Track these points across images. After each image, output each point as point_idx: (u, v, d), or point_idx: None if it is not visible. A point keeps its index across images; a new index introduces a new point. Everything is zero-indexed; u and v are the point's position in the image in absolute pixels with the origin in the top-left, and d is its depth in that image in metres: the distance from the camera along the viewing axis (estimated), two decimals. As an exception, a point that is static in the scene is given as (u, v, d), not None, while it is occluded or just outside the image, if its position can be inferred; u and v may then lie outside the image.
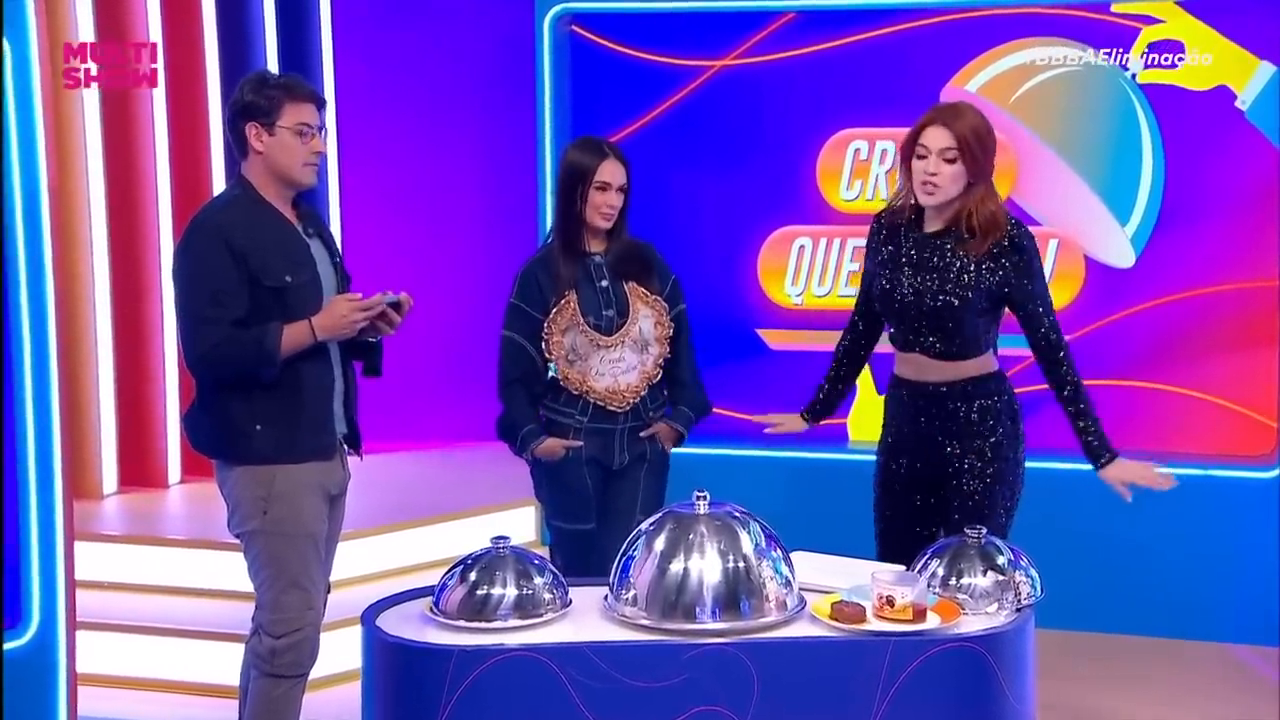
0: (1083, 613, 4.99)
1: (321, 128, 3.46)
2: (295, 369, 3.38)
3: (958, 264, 3.46)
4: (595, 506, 3.91)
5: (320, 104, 3.47)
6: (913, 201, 3.55)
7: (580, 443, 3.87)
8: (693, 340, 4.02)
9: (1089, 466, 5.10)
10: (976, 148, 3.43)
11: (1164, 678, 4.76)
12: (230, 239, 3.34)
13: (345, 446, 3.58)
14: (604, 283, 3.87)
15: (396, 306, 3.45)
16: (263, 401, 3.38)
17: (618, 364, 3.86)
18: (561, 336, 3.86)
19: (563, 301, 3.85)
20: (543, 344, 3.87)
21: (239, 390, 3.38)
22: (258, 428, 3.38)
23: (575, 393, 3.87)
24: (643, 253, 3.94)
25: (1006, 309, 3.57)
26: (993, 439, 3.53)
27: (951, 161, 3.43)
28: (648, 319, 3.88)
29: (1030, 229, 3.59)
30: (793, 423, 3.84)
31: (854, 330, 3.79)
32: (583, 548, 3.88)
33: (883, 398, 3.73)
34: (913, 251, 3.53)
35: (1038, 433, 5.31)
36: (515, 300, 3.92)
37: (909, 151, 3.50)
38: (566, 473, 3.91)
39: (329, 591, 3.62)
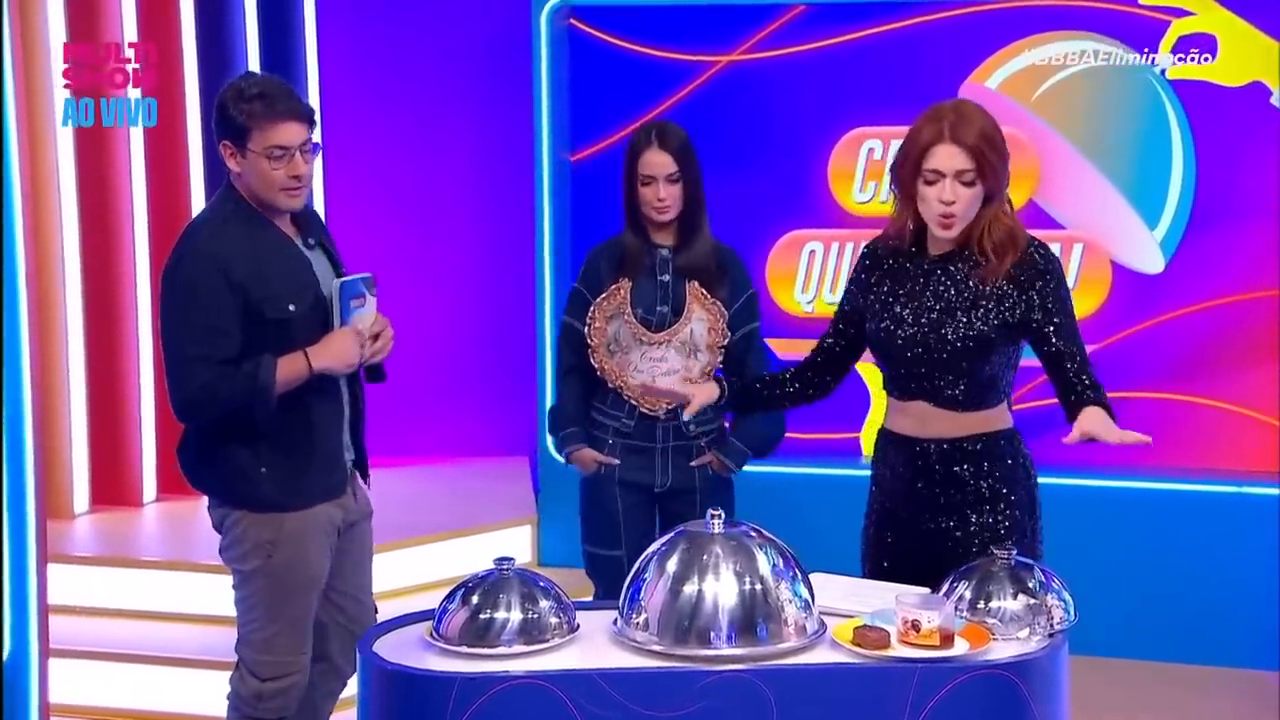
0: (1106, 638, 4.97)
1: (307, 144, 3.29)
2: (305, 405, 3.31)
3: (971, 292, 3.10)
4: (626, 532, 3.87)
5: (305, 118, 3.29)
6: (911, 227, 3.18)
7: (616, 460, 3.86)
8: (770, 366, 3.91)
9: (1117, 484, 5.14)
10: (995, 161, 3.04)
11: (1199, 707, 4.77)
12: (229, 268, 3.22)
13: (359, 471, 3.53)
14: (665, 277, 3.84)
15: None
16: (270, 443, 3.30)
17: (659, 364, 3.82)
18: (605, 323, 3.84)
19: (615, 287, 3.83)
20: (586, 328, 3.84)
21: (242, 430, 3.28)
22: (263, 470, 3.31)
23: (611, 386, 3.85)
24: (718, 256, 3.87)
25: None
26: (1008, 512, 3.16)
27: (970, 184, 3.04)
28: (701, 322, 3.83)
29: (1053, 236, 3.50)
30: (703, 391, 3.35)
31: (822, 355, 3.36)
32: (615, 575, 3.83)
33: (869, 456, 3.37)
34: (919, 282, 3.16)
35: (1059, 449, 5.33)
36: (577, 284, 3.92)
37: (911, 175, 3.08)
38: (599, 491, 3.91)
39: (375, 612, 3.59)
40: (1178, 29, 5.18)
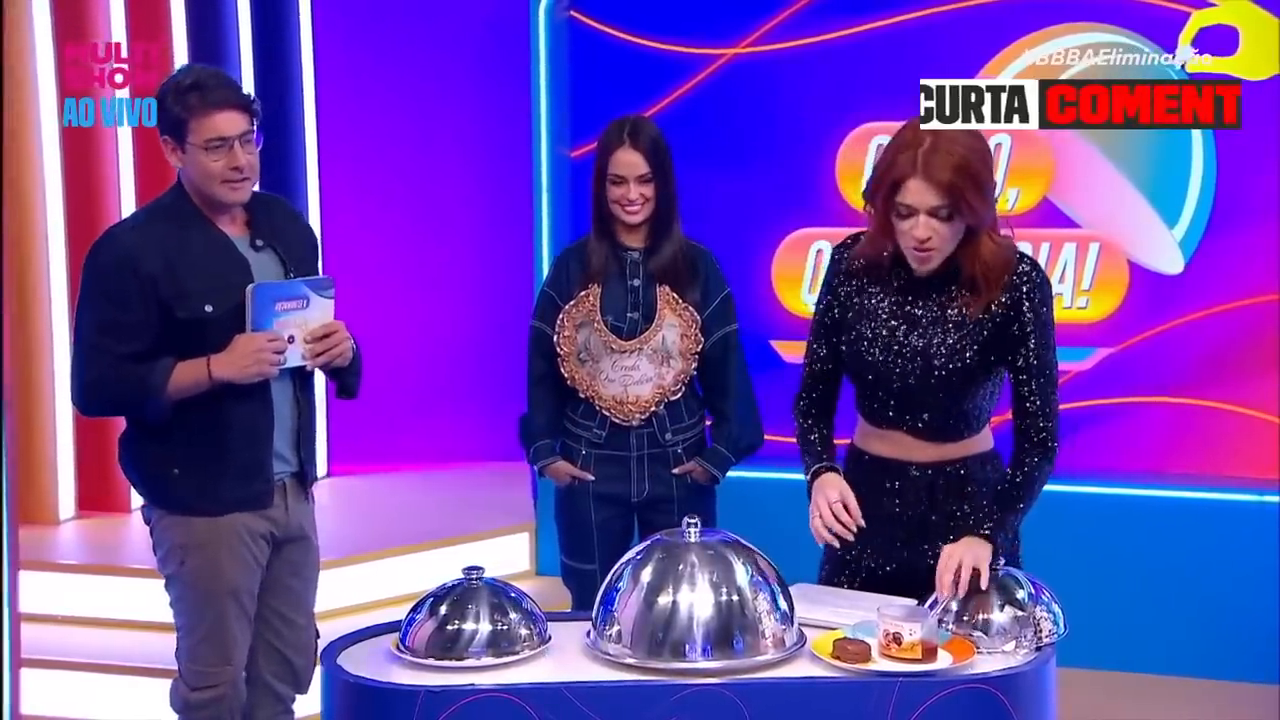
0: (1102, 649, 4.94)
1: (247, 135, 3.28)
2: (223, 410, 3.31)
3: (959, 316, 3.00)
4: (600, 546, 3.90)
5: (243, 108, 3.29)
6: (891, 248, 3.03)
7: (590, 477, 3.88)
8: (748, 368, 3.95)
9: (1116, 491, 5.10)
10: (973, 194, 2.89)
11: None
12: (139, 263, 3.25)
13: (299, 484, 3.51)
14: (636, 282, 3.85)
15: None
16: (182, 445, 3.33)
17: (631, 372, 3.84)
18: (575, 331, 3.87)
19: (584, 294, 3.85)
20: (555, 336, 3.87)
21: (157, 429, 3.32)
22: (175, 472, 3.35)
23: (582, 396, 3.87)
24: (690, 258, 3.88)
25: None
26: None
27: (947, 219, 2.91)
28: (673, 329, 3.85)
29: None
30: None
31: (817, 391, 3.20)
32: (588, 588, 3.86)
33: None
34: (903, 302, 3.04)
35: (1061, 455, 5.32)
36: (546, 287, 3.95)
37: (884, 205, 2.95)
38: (574, 504, 3.93)
39: (318, 637, 3.58)
40: (1198, 20, 5.15)
